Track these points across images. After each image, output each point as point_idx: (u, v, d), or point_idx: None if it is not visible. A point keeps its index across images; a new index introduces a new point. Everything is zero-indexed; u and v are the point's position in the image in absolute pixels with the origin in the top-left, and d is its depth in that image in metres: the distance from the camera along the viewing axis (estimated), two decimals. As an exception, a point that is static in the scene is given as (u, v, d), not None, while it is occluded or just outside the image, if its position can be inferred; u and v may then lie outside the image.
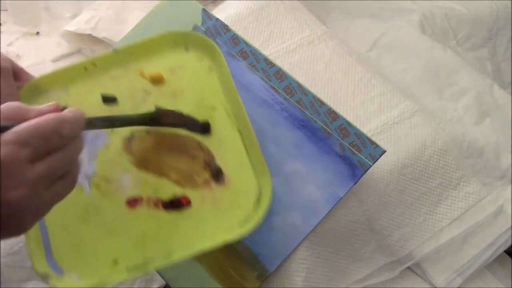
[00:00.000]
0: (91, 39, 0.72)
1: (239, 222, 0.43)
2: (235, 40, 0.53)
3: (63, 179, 0.33)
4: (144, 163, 0.46)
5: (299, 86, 0.51)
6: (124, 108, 0.47)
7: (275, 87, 0.51)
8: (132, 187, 0.45)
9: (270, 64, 0.52)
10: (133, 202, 0.45)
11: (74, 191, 0.35)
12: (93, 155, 0.46)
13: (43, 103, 0.46)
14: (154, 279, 0.56)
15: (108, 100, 0.47)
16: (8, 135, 0.30)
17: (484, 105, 0.66)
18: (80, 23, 0.71)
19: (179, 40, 0.49)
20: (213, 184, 0.45)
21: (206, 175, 0.45)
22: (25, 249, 0.52)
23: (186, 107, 0.47)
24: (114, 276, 0.42)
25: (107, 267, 0.42)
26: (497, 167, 0.61)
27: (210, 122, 0.46)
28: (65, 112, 0.33)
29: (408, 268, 0.55)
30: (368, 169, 0.48)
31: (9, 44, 0.76)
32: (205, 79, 0.48)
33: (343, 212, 0.52)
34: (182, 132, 0.46)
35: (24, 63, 0.72)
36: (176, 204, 0.44)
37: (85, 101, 0.47)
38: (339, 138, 0.49)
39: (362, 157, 0.48)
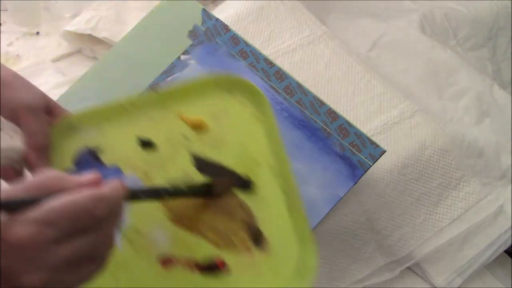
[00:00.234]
0: (91, 39, 0.72)
1: None
2: (235, 40, 0.53)
3: (90, 262, 0.29)
4: (180, 218, 0.42)
5: (299, 86, 0.51)
6: (161, 154, 0.44)
7: (275, 87, 0.51)
8: (166, 244, 0.41)
9: (270, 64, 0.52)
10: (167, 262, 0.41)
11: None
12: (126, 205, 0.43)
13: (76, 141, 0.44)
14: None
15: (145, 144, 0.44)
16: (35, 212, 0.27)
17: (484, 105, 0.66)
18: (80, 23, 0.71)
19: (223, 84, 0.46)
20: (252, 248, 0.41)
21: (245, 237, 0.41)
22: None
23: (227, 158, 0.44)
24: None
25: None
26: (497, 167, 0.61)
27: (252, 178, 0.43)
28: (105, 188, 0.30)
29: (408, 268, 0.55)
30: (368, 169, 0.48)
31: (9, 44, 0.76)
32: (249, 128, 0.45)
33: (343, 212, 0.52)
34: None
35: (24, 63, 0.72)
36: (212, 268, 0.40)
37: (120, 142, 0.44)
38: (339, 138, 0.49)
39: (362, 157, 0.48)
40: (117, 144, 0.44)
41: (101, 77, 0.53)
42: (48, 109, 0.42)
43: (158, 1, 0.55)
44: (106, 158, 0.44)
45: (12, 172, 0.40)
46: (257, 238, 0.41)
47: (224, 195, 0.42)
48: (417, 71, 0.68)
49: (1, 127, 0.40)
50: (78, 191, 0.28)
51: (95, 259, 0.30)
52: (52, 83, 0.66)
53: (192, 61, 0.52)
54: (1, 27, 0.78)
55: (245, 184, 0.43)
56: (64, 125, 0.44)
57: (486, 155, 0.61)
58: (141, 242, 0.41)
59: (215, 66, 0.52)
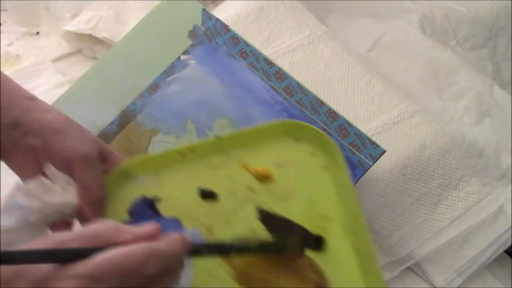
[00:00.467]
0: (91, 39, 0.72)
1: None
2: (235, 40, 0.53)
3: None
4: (246, 279, 0.38)
5: (299, 86, 0.51)
6: (223, 206, 0.41)
7: (275, 87, 0.51)
8: None
9: (270, 64, 0.52)
10: None
11: None
12: (188, 262, 0.38)
13: (132, 190, 0.41)
14: None
15: (207, 195, 0.41)
16: (84, 266, 0.25)
17: (484, 105, 0.66)
18: (80, 23, 0.71)
19: (290, 131, 0.43)
20: None
21: None
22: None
23: (295, 213, 0.40)
24: None
25: None
26: (497, 167, 0.61)
27: (322, 235, 0.39)
28: (161, 243, 0.28)
29: (408, 268, 0.55)
30: (368, 169, 0.48)
31: (9, 44, 0.76)
32: (318, 179, 0.42)
33: (343, 212, 0.52)
34: None
35: (24, 63, 0.72)
36: None
37: (179, 192, 0.41)
38: (339, 138, 0.49)
39: (362, 157, 0.48)
40: (176, 194, 0.41)
41: (101, 77, 0.53)
42: (100, 155, 0.40)
43: (158, 1, 0.55)
44: (164, 209, 0.41)
45: (63, 225, 0.38)
46: None
47: (295, 254, 0.39)
48: (417, 71, 0.68)
49: (54, 178, 0.37)
50: (133, 244, 0.27)
51: None
52: (52, 83, 0.66)
53: (192, 61, 0.52)
54: (1, 27, 0.79)
55: (317, 242, 0.39)
56: (118, 173, 0.41)
57: (486, 155, 0.61)
58: None
59: (215, 66, 0.52)
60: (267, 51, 0.61)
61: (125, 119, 0.51)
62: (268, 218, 0.40)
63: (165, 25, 0.54)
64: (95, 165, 0.38)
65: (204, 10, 0.54)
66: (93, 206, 0.38)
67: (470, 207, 0.57)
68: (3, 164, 0.52)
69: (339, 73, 0.61)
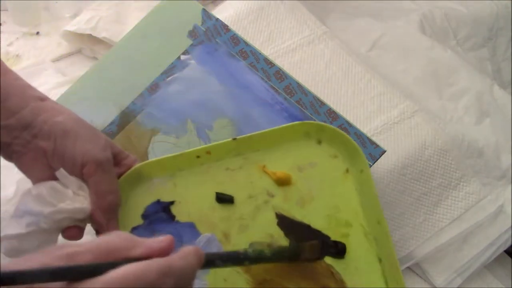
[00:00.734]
0: (91, 39, 0.72)
1: None
2: (235, 40, 0.53)
3: None
4: (263, 285, 0.37)
5: (299, 86, 0.51)
6: (240, 211, 0.40)
7: (275, 87, 0.51)
8: None
9: (270, 64, 0.52)
10: None
11: None
12: (205, 269, 0.37)
13: (146, 193, 0.39)
14: None
15: (224, 200, 0.40)
16: (96, 284, 0.24)
17: (484, 105, 0.66)
18: (80, 23, 0.71)
19: (311, 132, 0.41)
20: None
21: None
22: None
23: (316, 219, 0.39)
24: None
25: None
26: (497, 167, 0.61)
27: (343, 242, 0.38)
28: (176, 259, 0.27)
29: (408, 268, 0.55)
30: (368, 169, 0.48)
31: (9, 44, 0.76)
32: (339, 184, 0.40)
33: (343, 212, 0.52)
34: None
35: (24, 63, 0.72)
36: None
37: (195, 196, 0.40)
38: (339, 138, 0.49)
39: (362, 157, 0.48)
40: (191, 198, 0.40)
41: (101, 77, 0.53)
42: (114, 158, 0.38)
43: (158, 1, 0.55)
44: (178, 213, 0.40)
45: (75, 230, 0.36)
46: None
47: (313, 260, 0.37)
48: (417, 71, 0.68)
49: (66, 183, 0.36)
50: (147, 260, 0.25)
51: None
52: (52, 83, 0.66)
53: (192, 61, 0.52)
54: (1, 27, 0.78)
55: (338, 249, 0.38)
56: (132, 175, 0.40)
57: (486, 155, 0.61)
58: None
59: (215, 66, 0.52)
60: (267, 51, 0.61)
61: (125, 119, 0.51)
62: (287, 224, 0.39)
63: (165, 25, 0.54)
64: (109, 169, 0.37)
65: (204, 10, 0.54)
66: (107, 211, 0.37)
67: (470, 207, 0.57)
68: (3, 164, 0.52)
69: (339, 73, 0.61)
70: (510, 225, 0.57)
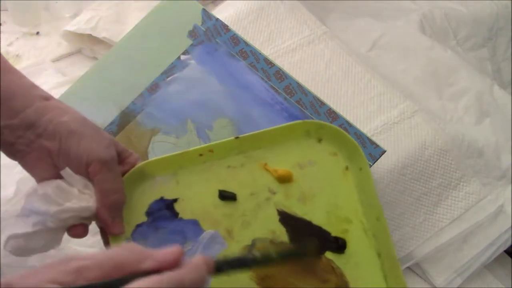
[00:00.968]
0: (91, 39, 0.72)
1: None
2: (235, 40, 0.53)
3: None
4: (266, 281, 0.38)
5: (299, 86, 0.51)
6: (243, 208, 0.40)
7: (275, 87, 0.51)
8: None
9: (270, 64, 0.52)
10: None
11: None
12: None
13: (148, 189, 0.40)
14: None
15: (226, 197, 0.41)
16: None
17: (484, 105, 0.66)
18: (80, 23, 0.71)
19: (312, 130, 0.42)
20: None
21: None
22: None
23: (316, 215, 0.40)
24: None
25: None
26: (497, 167, 0.61)
27: (344, 238, 0.39)
28: (188, 270, 0.27)
29: (408, 268, 0.55)
30: (368, 169, 0.48)
31: (9, 44, 0.76)
32: (339, 181, 0.41)
33: (343, 212, 0.52)
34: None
35: (24, 63, 0.72)
36: None
37: (197, 193, 0.41)
38: (339, 138, 0.49)
39: (362, 157, 0.48)
40: (194, 195, 0.41)
41: (101, 77, 0.53)
42: (118, 157, 0.38)
43: (158, 1, 0.55)
44: (182, 210, 0.40)
45: (81, 228, 0.37)
46: None
47: (314, 256, 0.39)
48: (417, 71, 0.68)
49: (71, 182, 0.36)
50: (158, 275, 0.25)
51: None
52: (52, 83, 0.66)
53: (192, 61, 0.52)
54: (1, 27, 0.78)
55: (338, 244, 0.39)
56: (135, 173, 0.40)
57: (486, 155, 0.61)
58: None
59: (215, 66, 0.52)
60: (267, 51, 0.61)
61: (125, 119, 0.51)
62: (288, 220, 0.40)
63: (165, 25, 0.54)
64: (114, 168, 0.37)
65: (204, 10, 0.54)
66: (112, 209, 0.37)
67: (470, 207, 0.57)
68: (3, 163, 0.52)
69: (339, 73, 0.61)
70: (510, 225, 0.57)
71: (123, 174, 0.40)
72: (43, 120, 0.36)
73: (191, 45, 0.53)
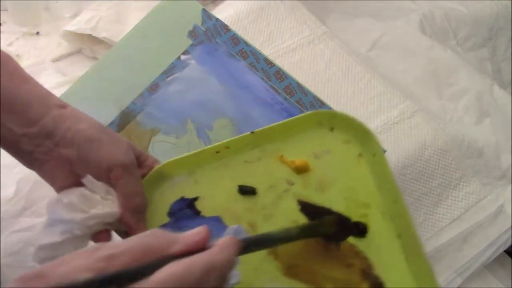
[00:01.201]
0: (91, 39, 0.72)
1: None
2: (235, 40, 0.53)
3: None
4: (293, 270, 0.39)
5: (299, 86, 0.51)
6: (263, 201, 0.41)
7: (275, 87, 0.51)
8: None
9: (270, 64, 0.52)
10: None
11: None
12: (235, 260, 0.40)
13: (169, 191, 0.41)
14: None
15: (246, 191, 0.41)
16: (147, 285, 0.24)
17: (484, 105, 0.66)
18: (80, 23, 0.71)
19: (324, 120, 0.43)
20: None
21: (365, 287, 0.39)
22: (25, 249, 0.52)
23: (335, 202, 0.41)
24: None
25: None
26: (497, 167, 0.61)
27: (364, 222, 0.40)
28: (218, 253, 0.27)
29: (408, 268, 0.55)
30: (368, 169, 0.48)
31: (9, 44, 0.76)
32: (355, 167, 0.42)
33: (343, 212, 0.52)
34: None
35: (24, 63, 0.72)
36: None
37: (217, 190, 0.41)
38: (339, 138, 0.49)
39: (362, 157, 0.48)
40: (214, 192, 0.41)
41: (101, 77, 0.53)
42: (137, 160, 0.39)
43: (158, 1, 0.55)
44: (203, 208, 0.41)
45: (105, 234, 0.37)
46: (377, 287, 0.39)
47: (335, 237, 0.40)
48: (417, 71, 0.68)
49: (93, 189, 0.36)
50: (189, 258, 0.26)
51: None
52: (52, 83, 0.66)
53: (192, 61, 0.52)
54: (1, 27, 0.79)
55: (359, 229, 0.40)
56: (154, 176, 0.41)
57: (486, 155, 0.61)
58: None
59: (215, 66, 0.52)
60: (267, 51, 0.61)
61: (125, 119, 0.51)
62: (309, 209, 0.41)
63: (165, 25, 0.54)
64: (134, 172, 0.38)
65: (204, 10, 0.54)
66: (135, 212, 0.38)
67: (470, 207, 0.57)
68: (3, 164, 0.52)
69: (339, 73, 0.61)
70: (510, 225, 0.57)
71: (142, 177, 0.40)
72: (61, 129, 0.36)
73: (191, 45, 0.53)
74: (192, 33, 0.53)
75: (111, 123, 0.50)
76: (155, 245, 0.27)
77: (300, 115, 0.43)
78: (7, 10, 0.80)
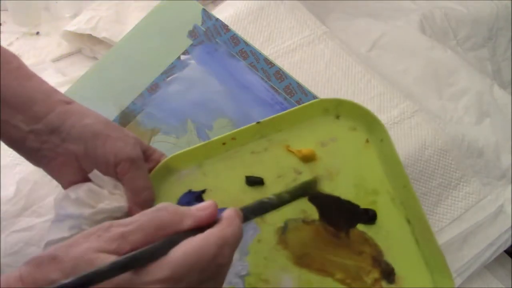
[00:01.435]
0: (91, 39, 0.72)
1: None
2: (235, 40, 0.53)
3: None
4: (303, 259, 0.39)
5: (299, 86, 0.51)
6: (271, 191, 0.40)
7: (275, 87, 0.51)
8: None
9: (270, 64, 0.52)
10: None
11: None
12: (244, 251, 0.40)
13: (176, 184, 0.41)
14: None
15: (254, 182, 0.41)
16: (162, 270, 0.25)
17: (484, 105, 0.66)
18: (80, 23, 0.71)
19: (329, 108, 0.43)
20: (384, 284, 0.39)
21: (376, 274, 0.39)
22: (25, 249, 0.52)
23: (344, 190, 0.41)
24: None
25: None
26: (497, 167, 0.61)
27: (374, 209, 0.40)
28: (226, 225, 0.28)
29: (408, 268, 0.55)
30: (368, 169, 0.48)
31: (9, 44, 0.76)
32: (362, 154, 0.42)
33: (343, 212, 0.52)
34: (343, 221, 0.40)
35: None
36: None
37: (225, 181, 0.41)
38: (339, 138, 0.49)
39: (362, 157, 0.48)
40: (222, 184, 0.41)
41: (101, 77, 0.53)
42: (144, 154, 0.39)
43: (158, 1, 0.55)
44: (211, 200, 0.41)
45: None
46: (388, 272, 0.39)
47: (346, 222, 0.40)
48: (417, 71, 0.68)
49: (101, 183, 0.36)
50: (203, 235, 0.26)
51: None
52: (52, 83, 0.65)
53: (192, 61, 0.52)
54: (1, 27, 0.78)
55: (369, 216, 0.40)
56: (161, 169, 0.41)
57: (486, 155, 0.61)
58: None
59: (215, 66, 0.52)
60: (267, 51, 0.61)
61: (125, 119, 0.51)
62: (317, 198, 0.41)
63: (165, 25, 0.54)
64: (142, 166, 0.38)
65: (204, 10, 0.54)
66: (144, 206, 0.37)
67: (470, 207, 0.57)
68: (3, 164, 0.52)
69: (339, 73, 0.61)
70: (510, 225, 0.57)
71: (149, 171, 0.40)
72: (67, 124, 0.36)
73: (191, 45, 0.53)
74: (192, 33, 0.53)
75: (111, 123, 0.50)
76: (166, 221, 0.27)
77: (305, 104, 0.43)
78: (7, 10, 0.80)
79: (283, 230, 0.40)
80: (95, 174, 0.36)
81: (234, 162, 0.42)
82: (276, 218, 0.40)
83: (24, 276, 0.24)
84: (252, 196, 0.41)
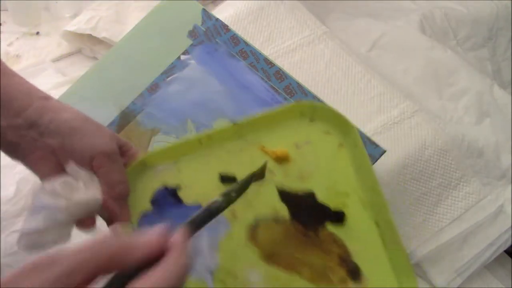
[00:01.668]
0: (91, 39, 0.72)
1: None
2: (235, 40, 0.53)
3: None
4: (272, 256, 0.40)
5: (299, 86, 0.51)
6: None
7: (275, 87, 0.51)
8: (261, 284, 0.39)
9: (270, 64, 0.52)
10: None
11: (197, 285, 0.32)
12: (214, 245, 0.40)
13: (152, 180, 0.42)
14: None
15: (227, 179, 0.42)
16: None
17: (484, 105, 0.66)
18: (80, 23, 0.71)
19: (305, 111, 0.44)
20: (349, 283, 0.39)
21: (342, 273, 0.40)
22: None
23: (316, 192, 0.42)
24: None
25: None
26: (497, 167, 0.61)
27: (344, 211, 0.41)
28: (179, 254, 0.27)
29: (408, 268, 0.55)
30: (368, 169, 0.48)
31: (9, 44, 0.76)
32: (334, 157, 0.43)
33: (343, 212, 0.52)
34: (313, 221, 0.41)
35: (24, 63, 0.72)
36: None
37: (199, 178, 0.42)
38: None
39: (362, 157, 0.48)
40: (196, 181, 0.42)
41: (101, 77, 0.53)
42: (120, 149, 0.40)
43: (158, 1, 0.55)
44: (185, 196, 0.42)
45: (89, 221, 0.38)
46: (354, 272, 0.40)
47: (314, 220, 0.41)
48: (417, 71, 0.68)
49: (77, 176, 0.37)
50: (162, 270, 0.26)
51: None
52: (52, 83, 0.66)
53: (192, 61, 0.52)
54: (1, 27, 0.79)
55: (338, 217, 0.41)
56: (138, 165, 0.41)
57: (486, 155, 0.61)
58: (235, 284, 0.39)
59: (215, 66, 0.52)
60: (267, 51, 0.61)
61: (125, 119, 0.51)
62: (288, 197, 0.42)
63: (165, 25, 0.54)
64: (117, 160, 0.39)
65: (204, 10, 0.54)
66: (118, 200, 0.38)
67: (470, 207, 0.57)
68: (3, 164, 0.52)
69: (339, 73, 0.61)
70: (510, 225, 0.57)
71: (125, 166, 0.41)
72: (44, 119, 0.37)
73: (191, 45, 0.53)
74: (192, 33, 0.53)
75: (111, 123, 0.50)
76: (116, 255, 0.26)
77: (282, 107, 0.44)
78: (7, 10, 0.80)
79: (254, 228, 0.41)
80: (71, 167, 0.37)
81: (209, 160, 0.43)
82: (247, 215, 0.41)
83: None
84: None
